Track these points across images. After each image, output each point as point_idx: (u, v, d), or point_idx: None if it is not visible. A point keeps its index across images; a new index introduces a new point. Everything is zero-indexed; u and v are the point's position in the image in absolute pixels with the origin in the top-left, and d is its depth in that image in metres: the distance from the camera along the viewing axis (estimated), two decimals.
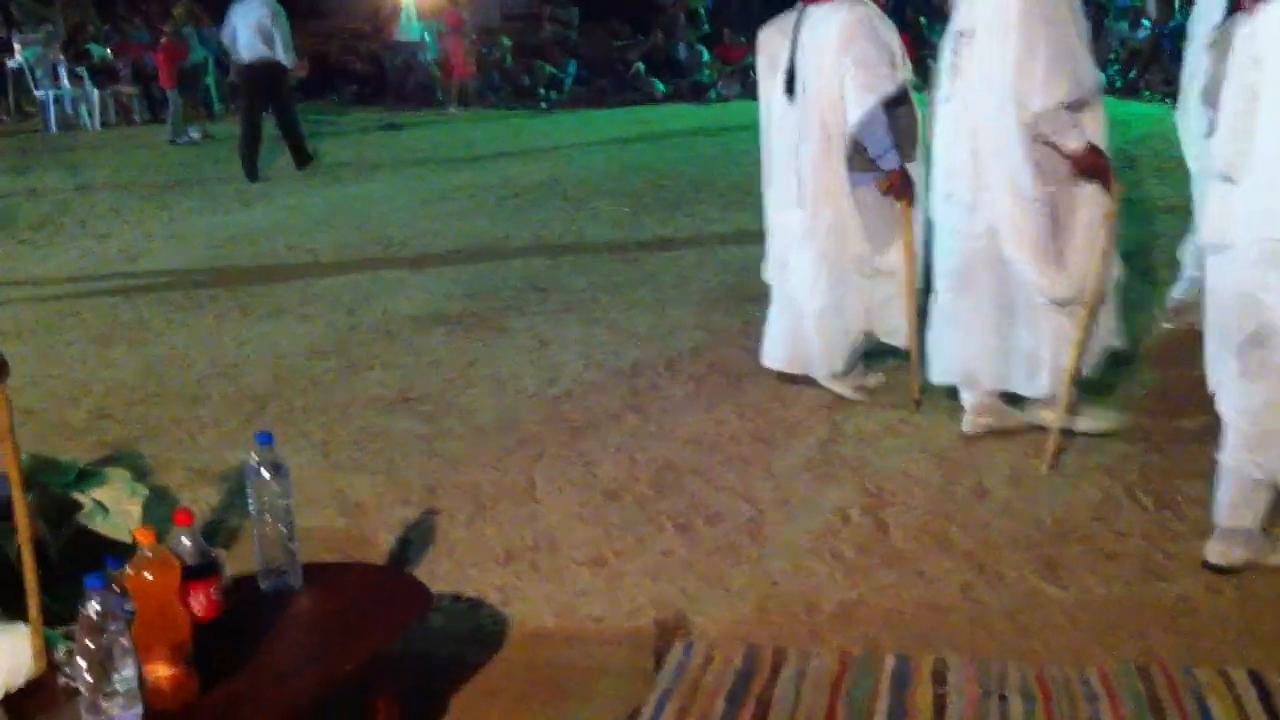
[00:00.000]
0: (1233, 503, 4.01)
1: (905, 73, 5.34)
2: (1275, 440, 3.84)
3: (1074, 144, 4.63)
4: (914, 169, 5.42)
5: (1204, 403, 4.14)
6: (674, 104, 20.31)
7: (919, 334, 5.54)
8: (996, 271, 4.92)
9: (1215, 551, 4.05)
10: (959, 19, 4.88)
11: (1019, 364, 5.03)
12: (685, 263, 8.76)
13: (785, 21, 5.60)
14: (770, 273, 5.94)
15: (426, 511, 4.72)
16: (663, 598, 4.00)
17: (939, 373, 5.32)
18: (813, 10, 5.44)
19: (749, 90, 18.31)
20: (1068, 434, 5.03)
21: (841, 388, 5.81)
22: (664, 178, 12.54)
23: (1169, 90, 14.70)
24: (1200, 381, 4.13)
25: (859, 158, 5.41)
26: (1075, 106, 4.62)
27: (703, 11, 22.89)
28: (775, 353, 5.96)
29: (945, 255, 5.12)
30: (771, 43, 5.69)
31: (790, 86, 5.51)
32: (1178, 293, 6.58)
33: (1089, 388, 5.29)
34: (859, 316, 5.70)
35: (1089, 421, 5.17)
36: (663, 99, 20.74)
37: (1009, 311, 4.99)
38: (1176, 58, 12.52)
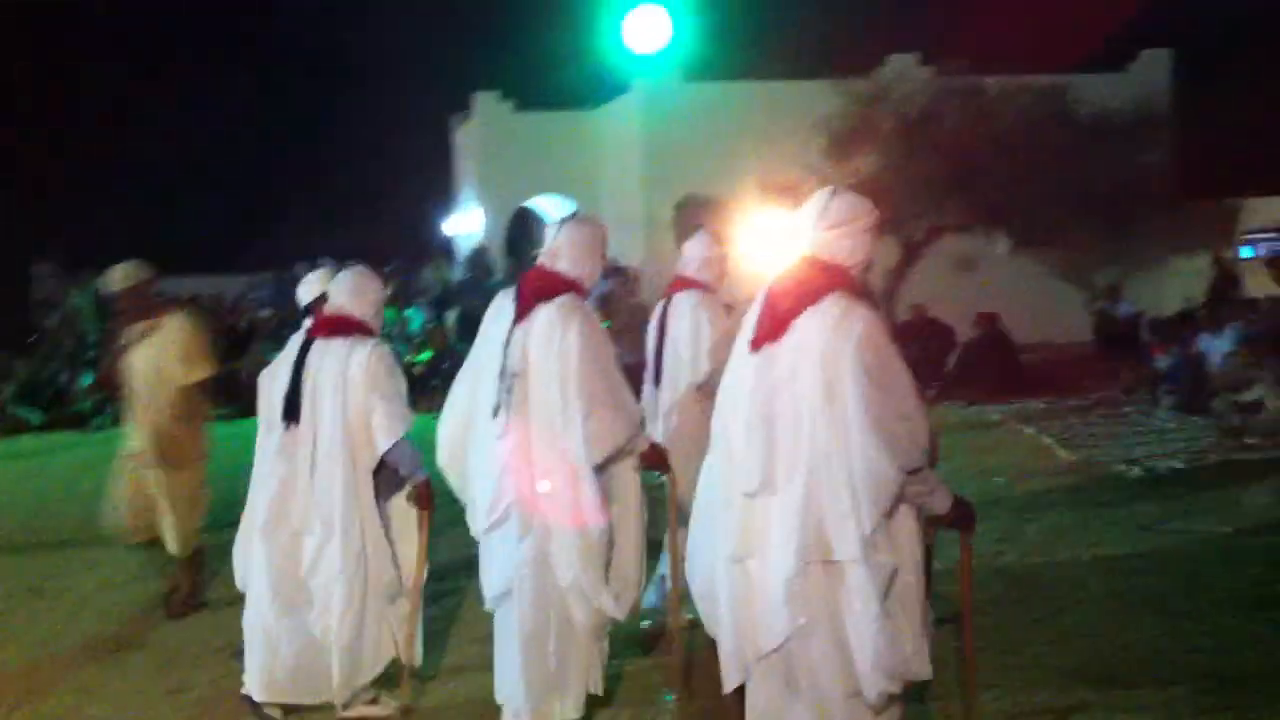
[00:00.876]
0: None
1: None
2: None
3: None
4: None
5: None
6: (54, 433, 17.79)
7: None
8: (537, 591, 5.38)
9: None
10: (510, 360, 5.37)
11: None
12: (60, 613, 8.19)
13: (276, 365, 6.13)
14: (270, 603, 6.00)
15: None
16: None
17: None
18: (324, 344, 5.93)
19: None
20: None
21: (357, 711, 6.02)
22: (40, 517, 11.62)
23: None
24: None
25: (381, 481, 5.88)
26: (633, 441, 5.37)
27: (90, 334, 20.29)
28: (275, 683, 5.95)
29: (486, 570, 5.60)
30: (266, 382, 6.15)
31: (294, 414, 5.87)
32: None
33: None
34: (388, 643, 6.01)
35: None
36: (42, 428, 18.08)
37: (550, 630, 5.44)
38: None
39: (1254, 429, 12.50)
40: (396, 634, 5.99)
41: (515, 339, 5.40)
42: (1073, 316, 21.38)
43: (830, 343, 4.23)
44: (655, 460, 5.59)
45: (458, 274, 24.03)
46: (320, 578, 5.84)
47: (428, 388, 18.29)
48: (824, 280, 4.36)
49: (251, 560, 6.09)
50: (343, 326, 5.96)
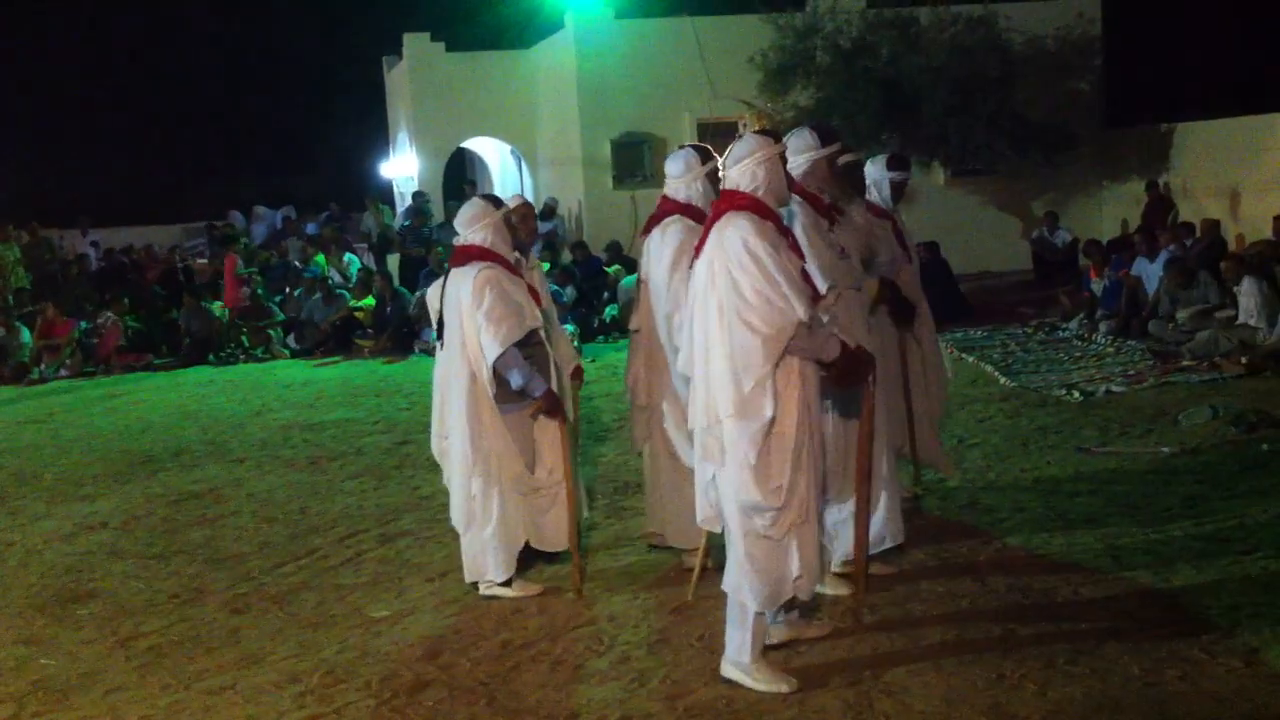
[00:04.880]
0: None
1: (533, 320, 6.59)
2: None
3: None
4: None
5: None
6: None
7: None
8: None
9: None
10: (641, 268, 6.79)
11: None
12: (7, 567, 8.17)
13: (440, 283, 6.93)
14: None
15: None
16: None
17: None
18: (453, 272, 6.71)
19: (75, 369, 17.58)
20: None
21: (508, 591, 6.77)
22: None
23: None
24: None
25: (502, 392, 6.55)
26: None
27: (28, 285, 20.23)
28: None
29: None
30: (432, 300, 7.06)
31: (441, 334, 6.79)
32: None
33: None
34: (519, 531, 6.71)
35: None
36: None
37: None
38: None
39: (1189, 351, 12.69)
40: (539, 525, 6.80)
41: (642, 254, 6.77)
42: (1010, 245, 21.58)
43: (712, 248, 5.34)
44: None
45: (399, 219, 23.81)
46: (455, 473, 6.73)
47: (368, 333, 18.28)
48: (726, 205, 5.43)
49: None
50: (464, 255, 6.71)
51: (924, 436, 7.53)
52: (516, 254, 6.78)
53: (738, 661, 5.44)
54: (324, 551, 7.92)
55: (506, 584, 6.77)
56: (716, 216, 5.43)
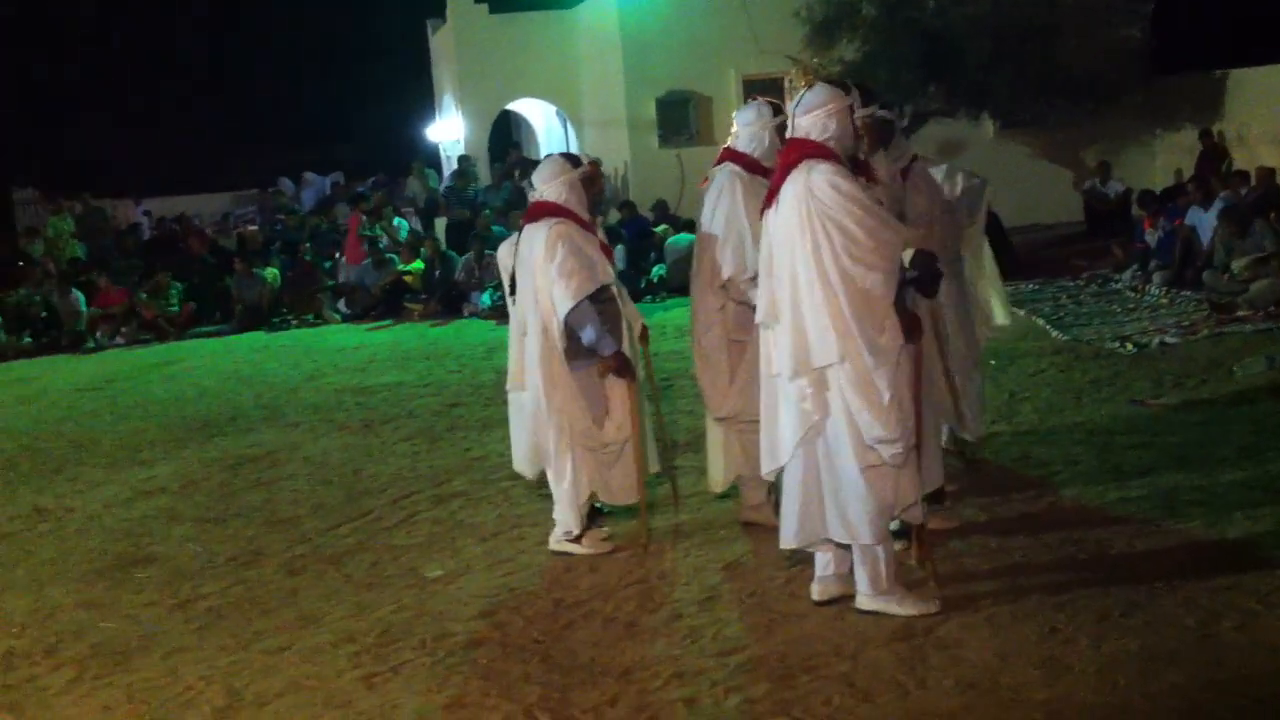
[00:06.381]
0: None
1: (605, 276, 6.57)
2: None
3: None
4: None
5: None
6: (47, 356, 17.43)
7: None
8: None
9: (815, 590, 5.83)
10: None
11: None
12: (67, 532, 8.25)
13: (513, 239, 6.91)
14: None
15: None
16: None
17: None
18: (526, 228, 6.70)
19: (130, 337, 17.83)
20: None
21: (577, 547, 6.79)
22: (40, 439, 11.50)
23: None
24: None
25: (573, 348, 6.55)
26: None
27: (82, 255, 20.67)
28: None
29: None
30: (503, 257, 7.02)
31: (514, 289, 6.77)
32: None
33: None
34: (587, 485, 6.71)
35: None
36: (34, 352, 17.63)
37: None
38: None
39: (1245, 301, 12.53)
40: (605, 479, 6.79)
41: None
42: (1061, 197, 21.32)
43: (800, 195, 5.37)
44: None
45: (443, 183, 23.83)
46: (541, 427, 6.71)
47: (419, 297, 18.36)
48: (799, 153, 5.50)
49: None
50: (539, 211, 6.71)
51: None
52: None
53: (873, 594, 5.59)
54: (378, 513, 8.00)
55: (577, 540, 6.81)
56: (790, 163, 5.50)
